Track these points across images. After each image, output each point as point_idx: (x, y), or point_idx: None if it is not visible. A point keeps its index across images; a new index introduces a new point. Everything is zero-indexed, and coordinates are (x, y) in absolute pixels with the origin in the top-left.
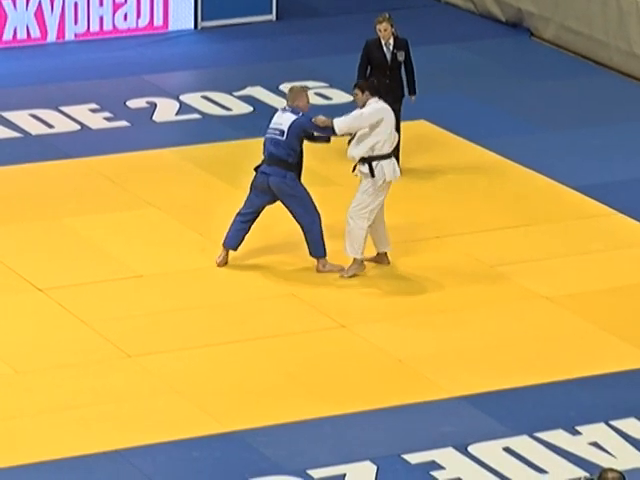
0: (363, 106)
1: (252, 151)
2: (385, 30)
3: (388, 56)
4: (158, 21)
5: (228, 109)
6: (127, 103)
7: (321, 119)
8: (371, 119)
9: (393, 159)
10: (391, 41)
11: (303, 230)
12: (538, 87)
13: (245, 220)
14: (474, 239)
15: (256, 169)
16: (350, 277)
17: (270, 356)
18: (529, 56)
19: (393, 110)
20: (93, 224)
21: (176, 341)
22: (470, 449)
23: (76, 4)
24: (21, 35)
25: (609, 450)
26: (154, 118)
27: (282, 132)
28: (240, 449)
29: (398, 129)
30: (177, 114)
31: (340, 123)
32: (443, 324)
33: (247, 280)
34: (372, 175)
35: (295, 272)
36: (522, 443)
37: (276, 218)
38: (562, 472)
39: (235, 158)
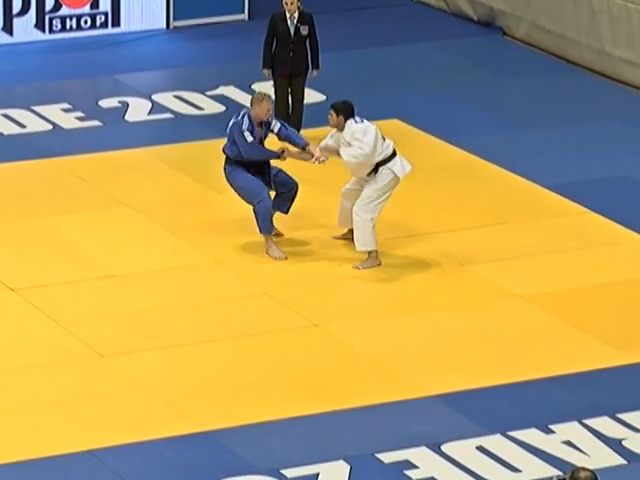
0: (338, 128)
1: None
2: (291, 3)
3: (292, 29)
4: (130, 20)
5: (200, 108)
6: (99, 103)
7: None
8: (371, 147)
9: (398, 157)
10: (296, 15)
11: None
12: (511, 85)
13: None
14: (448, 238)
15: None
16: (366, 269)
17: (243, 355)
18: (501, 55)
19: (296, 83)
20: (66, 224)
21: (149, 341)
22: (443, 448)
23: (47, 3)
24: None
25: (582, 449)
26: (126, 118)
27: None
28: (213, 449)
29: (302, 101)
30: (149, 114)
31: (350, 157)
32: (416, 323)
33: (220, 279)
34: (376, 181)
35: (268, 271)
36: (496, 442)
37: (250, 216)
38: (535, 471)
39: (208, 157)
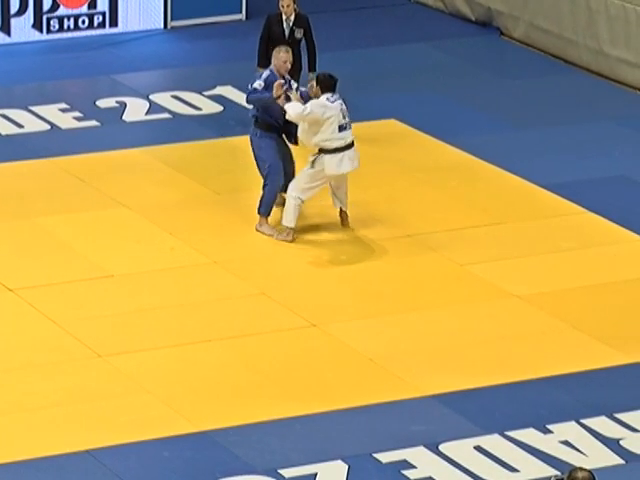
0: (315, 98)
1: (222, 150)
2: (288, 6)
3: (287, 32)
4: (127, 20)
5: (198, 108)
6: (97, 103)
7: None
8: (314, 115)
9: (343, 154)
10: (292, 17)
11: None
12: (508, 86)
13: None
14: (446, 238)
15: None
16: (277, 240)
17: (241, 356)
18: (499, 55)
19: (296, 80)
20: (64, 224)
21: (147, 341)
22: (441, 448)
23: (45, 3)
24: None
25: (580, 449)
26: (124, 118)
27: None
28: (211, 448)
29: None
30: (147, 113)
31: (291, 111)
32: (414, 323)
33: (217, 280)
34: (312, 166)
35: (266, 271)
36: (493, 442)
37: (248, 216)
38: (533, 471)
39: (205, 157)
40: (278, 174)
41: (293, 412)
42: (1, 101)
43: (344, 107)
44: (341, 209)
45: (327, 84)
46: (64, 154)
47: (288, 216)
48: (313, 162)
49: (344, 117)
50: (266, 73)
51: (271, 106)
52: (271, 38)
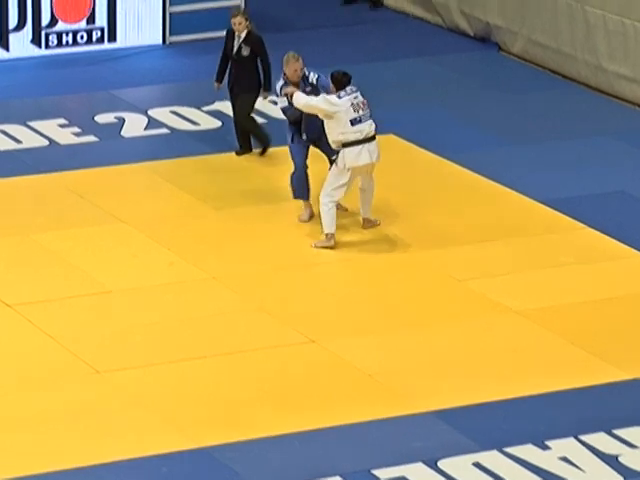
0: (328, 93)
1: (221, 165)
2: (239, 24)
3: (235, 48)
4: (126, 36)
5: (196, 124)
6: (96, 118)
7: (289, 89)
8: (320, 107)
9: (359, 147)
10: (242, 35)
11: None
12: (507, 101)
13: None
14: (443, 253)
15: None
16: (318, 248)
17: (240, 371)
18: (497, 70)
19: (238, 101)
20: (62, 239)
21: (145, 357)
22: (440, 464)
23: (43, 18)
24: None
25: (579, 465)
26: (122, 133)
27: None
28: (210, 464)
29: (242, 121)
30: (145, 129)
31: (300, 99)
32: (413, 339)
33: (216, 295)
34: (336, 164)
35: (264, 287)
36: (492, 458)
37: (246, 231)
38: None
39: (204, 173)
40: (298, 164)
41: (292, 428)
42: (0, 116)
43: (357, 101)
44: (364, 219)
45: (338, 82)
46: (63, 169)
47: (325, 222)
48: (336, 160)
49: (355, 111)
50: (280, 83)
51: (309, 121)
52: (224, 53)
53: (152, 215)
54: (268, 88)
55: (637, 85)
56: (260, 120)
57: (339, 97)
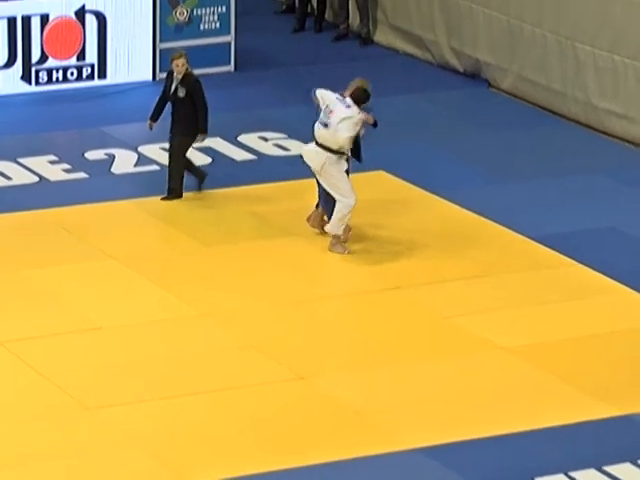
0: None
1: (210, 202)
2: (181, 65)
3: (172, 88)
4: (116, 72)
5: None
6: (86, 155)
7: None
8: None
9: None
10: (180, 76)
11: None
12: (496, 137)
13: None
14: (431, 290)
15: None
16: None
17: (229, 408)
18: (487, 106)
19: (178, 141)
20: (52, 276)
21: (135, 393)
22: None
23: (33, 55)
24: None
25: None
26: (113, 170)
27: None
28: None
29: (174, 161)
30: (136, 165)
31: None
32: (400, 375)
33: (206, 332)
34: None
35: (253, 323)
36: None
37: (235, 268)
38: None
39: (193, 209)
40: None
41: (279, 465)
42: None
43: (329, 108)
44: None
45: (357, 98)
46: (53, 206)
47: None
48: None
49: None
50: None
51: None
52: (163, 93)
53: (142, 252)
54: (203, 131)
55: (627, 122)
56: (249, 157)
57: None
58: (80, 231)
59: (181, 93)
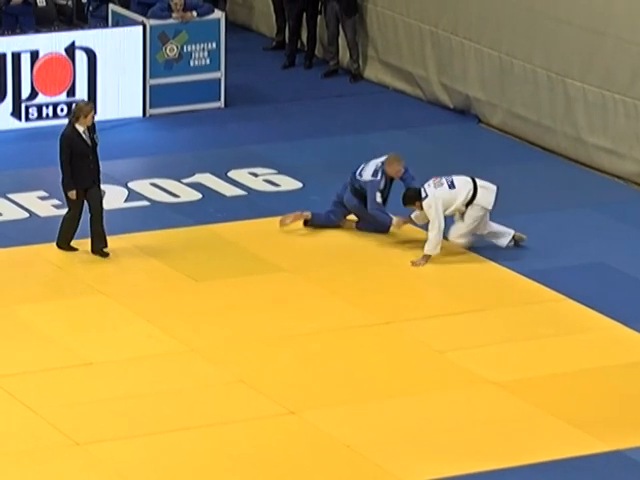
0: (421, 208)
1: (200, 238)
2: (93, 117)
3: (88, 141)
4: (106, 108)
5: (176, 196)
6: None
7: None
8: (435, 214)
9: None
10: (89, 125)
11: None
12: (486, 173)
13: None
14: (424, 325)
15: None
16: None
17: (218, 444)
18: (477, 142)
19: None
20: (41, 311)
21: (124, 429)
22: None
23: (23, 91)
24: None
25: None
26: (103, 205)
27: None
28: None
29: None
30: (126, 201)
31: (433, 245)
32: (392, 409)
33: (195, 367)
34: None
35: (243, 359)
36: None
37: (225, 303)
38: None
39: (183, 245)
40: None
41: None
42: None
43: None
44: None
45: (410, 197)
46: (43, 241)
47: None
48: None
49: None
50: (382, 184)
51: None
52: (74, 152)
53: (131, 287)
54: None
55: (616, 157)
56: (239, 192)
57: (427, 195)
58: (69, 266)
59: (97, 140)
